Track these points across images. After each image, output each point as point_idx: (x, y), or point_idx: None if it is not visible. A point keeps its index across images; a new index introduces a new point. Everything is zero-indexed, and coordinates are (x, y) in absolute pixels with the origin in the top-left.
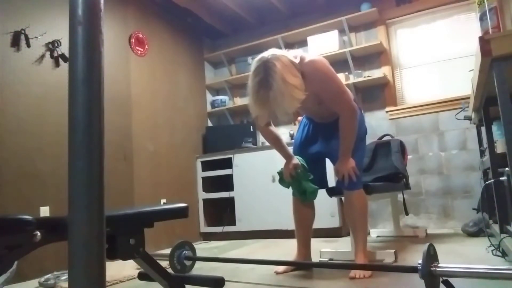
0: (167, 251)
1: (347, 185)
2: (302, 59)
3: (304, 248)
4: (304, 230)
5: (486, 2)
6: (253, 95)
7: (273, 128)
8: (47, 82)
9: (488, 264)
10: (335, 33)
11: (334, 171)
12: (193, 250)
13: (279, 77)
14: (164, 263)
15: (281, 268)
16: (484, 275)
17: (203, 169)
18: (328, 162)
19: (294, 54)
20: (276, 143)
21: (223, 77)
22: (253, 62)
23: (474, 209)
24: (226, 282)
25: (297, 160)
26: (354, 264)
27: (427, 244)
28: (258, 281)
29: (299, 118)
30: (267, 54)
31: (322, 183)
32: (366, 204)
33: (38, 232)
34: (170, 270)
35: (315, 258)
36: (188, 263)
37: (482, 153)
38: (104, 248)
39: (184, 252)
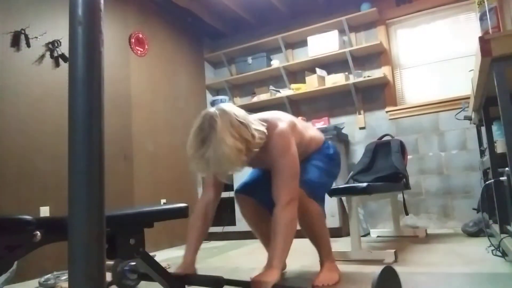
0: (166, 251)
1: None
2: (271, 125)
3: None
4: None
5: (486, 2)
6: (193, 151)
7: (212, 200)
8: (47, 82)
9: (488, 264)
10: (335, 33)
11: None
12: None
13: (219, 136)
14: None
15: None
16: None
17: None
18: None
19: (265, 117)
20: (196, 223)
21: (223, 77)
22: (198, 116)
23: (474, 209)
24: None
25: (195, 268)
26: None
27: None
28: None
29: None
30: (213, 109)
31: None
32: (322, 214)
33: (38, 232)
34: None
35: (315, 258)
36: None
37: (482, 153)
38: (104, 248)
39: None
